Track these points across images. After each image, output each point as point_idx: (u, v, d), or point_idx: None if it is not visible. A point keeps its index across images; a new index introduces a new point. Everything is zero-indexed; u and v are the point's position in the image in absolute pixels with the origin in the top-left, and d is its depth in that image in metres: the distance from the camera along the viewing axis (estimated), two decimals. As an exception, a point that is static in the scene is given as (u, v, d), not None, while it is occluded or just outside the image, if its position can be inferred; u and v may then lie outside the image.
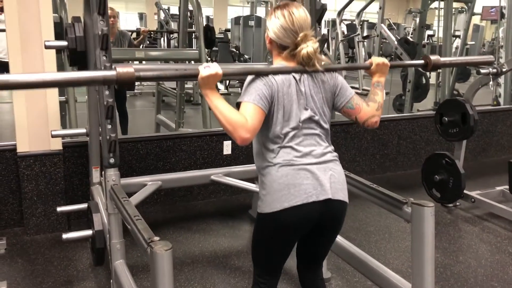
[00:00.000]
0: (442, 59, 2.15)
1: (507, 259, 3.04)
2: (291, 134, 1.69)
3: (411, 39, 6.62)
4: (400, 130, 4.75)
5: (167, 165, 3.70)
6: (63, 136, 3.03)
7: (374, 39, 9.84)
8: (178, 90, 5.22)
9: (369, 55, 13.09)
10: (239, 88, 9.60)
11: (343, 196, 1.73)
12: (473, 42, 12.15)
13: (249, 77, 1.68)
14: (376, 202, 2.31)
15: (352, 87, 6.30)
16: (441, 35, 8.24)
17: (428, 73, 6.77)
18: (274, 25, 1.69)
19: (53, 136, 2.71)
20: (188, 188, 3.82)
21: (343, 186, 1.75)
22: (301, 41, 1.67)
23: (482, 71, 3.44)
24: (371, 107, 1.82)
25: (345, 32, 11.55)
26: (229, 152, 3.91)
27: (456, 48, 8.76)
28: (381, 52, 10.10)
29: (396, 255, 3.08)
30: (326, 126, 1.77)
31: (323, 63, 1.72)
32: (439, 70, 7.19)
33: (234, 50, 9.79)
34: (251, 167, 3.42)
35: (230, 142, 3.89)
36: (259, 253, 1.85)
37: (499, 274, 2.85)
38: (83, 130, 2.83)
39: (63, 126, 4.07)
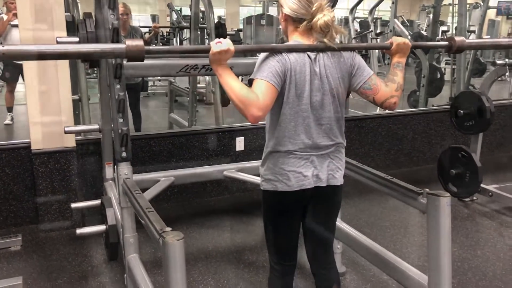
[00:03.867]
0: (468, 40, 2.06)
1: (526, 253, 2.98)
2: (301, 116, 1.68)
3: (425, 34, 6.53)
4: (415, 125, 4.69)
5: (180, 162, 3.70)
6: (76, 132, 3.05)
7: (388, 36, 9.75)
8: (190, 88, 5.23)
9: (382, 53, 12.99)
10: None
11: (334, 182, 1.79)
12: (489, 37, 11.98)
13: (262, 54, 1.66)
14: (390, 193, 2.27)
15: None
16: (452, 30, 8.17)
17: (443, 69, 6.68)
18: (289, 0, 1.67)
19: (66, 132, 2.72)
20: (201, 185, 3.82)
21: (338, 172, 1.80)
22: (316, 11, 1.64)
23: (498, 62, 3.37)
24: (389, 87, 1.77)
25: (358, 30, 11.47)
26: (242, 148, 3.90)
27: (471, 43, 8.64)
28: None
29: (412, 249, 3.04)
30: (339, 109, 1.75)
31: (339, 36, 1.71)
32: (453, 66, 7.11)
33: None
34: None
35: (242, 138, 3.88)
36: (268, 233, 1.89)
37: (518, 268, 2.79)
38: (96, 126, 2.84)
39: (77, 124, 4.10)
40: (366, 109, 7.26)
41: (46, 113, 3.02)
